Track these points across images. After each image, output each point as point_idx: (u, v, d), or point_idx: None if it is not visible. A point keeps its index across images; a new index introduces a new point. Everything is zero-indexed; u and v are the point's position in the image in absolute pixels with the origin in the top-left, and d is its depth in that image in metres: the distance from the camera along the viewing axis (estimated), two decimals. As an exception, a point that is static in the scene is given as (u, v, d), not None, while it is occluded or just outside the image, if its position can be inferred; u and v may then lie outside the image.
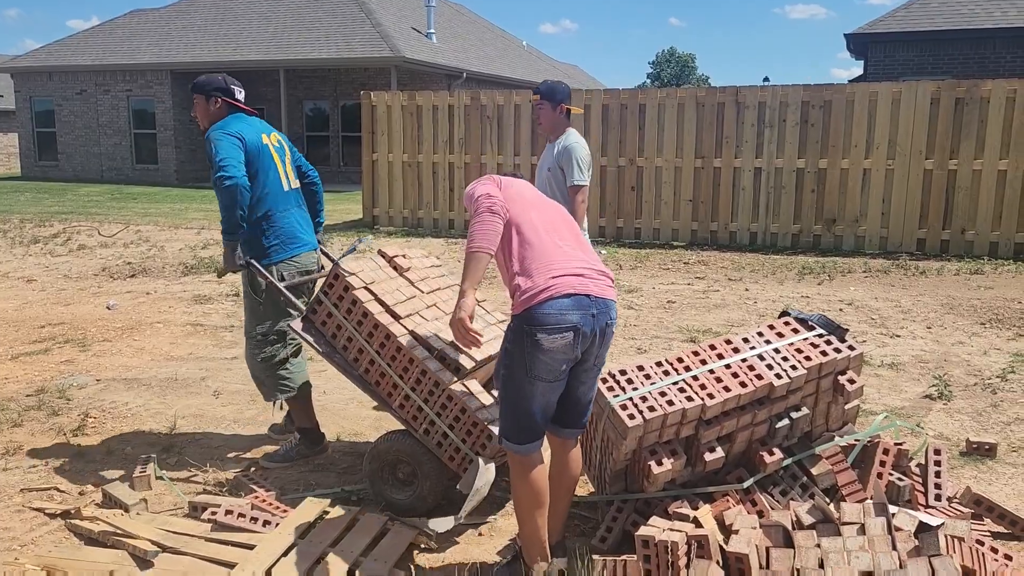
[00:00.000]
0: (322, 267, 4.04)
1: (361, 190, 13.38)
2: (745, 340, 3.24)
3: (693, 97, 11.13)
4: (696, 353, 3.18)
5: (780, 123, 10.72)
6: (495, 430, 3.01)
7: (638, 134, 11.31)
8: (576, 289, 2.59)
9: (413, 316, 3.37)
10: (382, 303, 3.33)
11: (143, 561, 2.88)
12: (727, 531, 2.80)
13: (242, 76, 21.15)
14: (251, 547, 2.97)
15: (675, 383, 3.02)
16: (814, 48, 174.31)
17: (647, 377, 3.05)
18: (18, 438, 4.26)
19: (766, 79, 49.00)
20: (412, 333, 3.29)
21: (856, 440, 3.29)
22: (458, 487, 3.11)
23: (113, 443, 4.20)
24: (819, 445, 3.23)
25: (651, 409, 2.89)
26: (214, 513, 3.22)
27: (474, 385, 3.28)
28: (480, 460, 2.93)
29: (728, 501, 2.98)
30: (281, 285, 3.69)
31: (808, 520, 2.76)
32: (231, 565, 2.86)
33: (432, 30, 24.72)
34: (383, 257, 3.62)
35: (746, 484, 3.04)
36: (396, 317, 3.31)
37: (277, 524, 3.13)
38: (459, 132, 12.19)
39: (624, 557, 2.71)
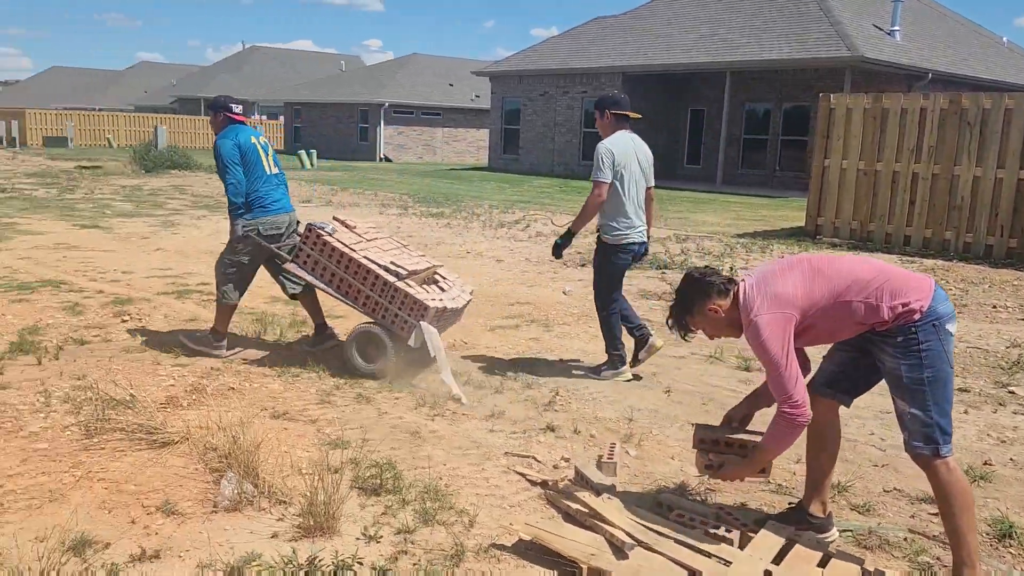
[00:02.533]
0: (295, 230, 5.67)
1: (806, 197, 12.76)
2: None
3: None
4: None
5: None
6: (431, 305, 4.93)
7: None
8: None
9: (364, 250, 5.20)
10: (342, 242, 5.16)
11: (618, 550, 2.96)
12: None
13: (687, 78, 21.57)
14: (722, 560, 2.89)
15: None
16: None
17: None
18: (500, 404, 4.75)
19: None
20: (365, 257, 5.12)
21: None
22: (409, 343, 4.94)
23: (579, 423, 4.46)
24: None
25: None
26: (681, 516, 3.22)
27: (411, 283, 5.07)
28: (421, 324, 4.90)
29: None
30: (272, 246, 5.42)
31: None
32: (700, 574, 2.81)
33: (896, 27, 22.69)
34: (338, 220, 5.52)
35: None
36: (352, 250, 5.15)
37: (735, 541, 3.02)
38: (930, 139, 10.95)
39: None
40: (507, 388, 5.05)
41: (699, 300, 3.09)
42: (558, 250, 5.33)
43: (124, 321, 6.39)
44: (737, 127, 23.98)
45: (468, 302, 5.56)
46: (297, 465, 3.74)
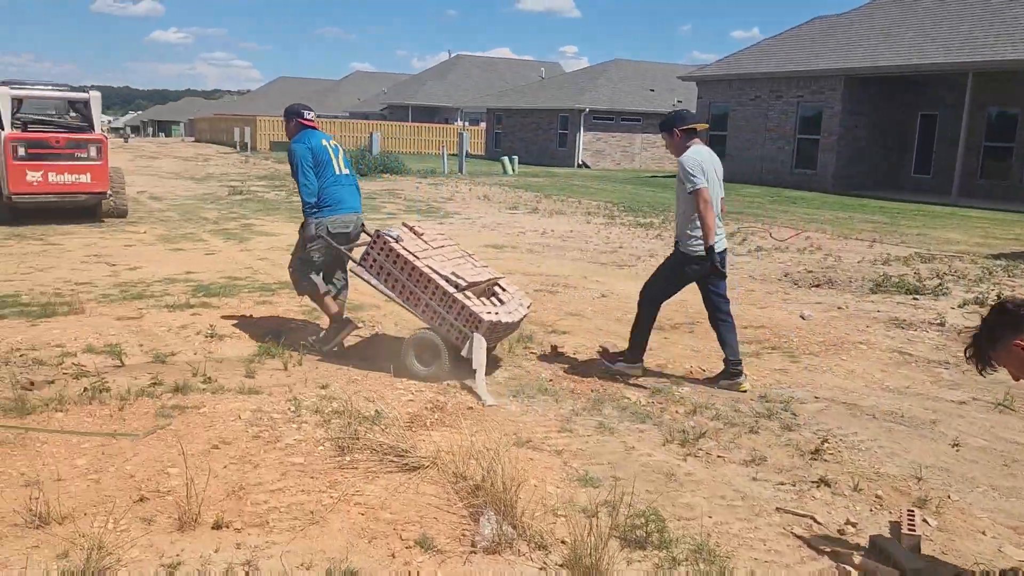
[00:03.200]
0: (361, 229, 5.92)
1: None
2: None
3: None
4: None
5: None
6: (485, 318, 4.96)
7: None
8: None
9: (427, 258, 5.27)
10: (407, 250, 5.21)
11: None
12: None
13: (919, 80, 19.59)
14: None
15: None
16: None
17: None
18: (758, 447, 4.27)
19: None
20: (427, 266, 5.17)
21: None
22: (462, 353, 4.97)
23: (859, 479, 3.90)
24: None
25: None
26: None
27: (469, 295, 5.09)
28: (474, 335, 4.94)
29: None
30: (341, 247, 5.66)
31: None
32: None
33: None
34: (407, 227, 5.59)
35: None
36: (416, 257, 5.20)
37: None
38: None
39: None
40: (763, 428, 4.56)
41: (1007, 334, 2.62)
42: (715, 268, 5.07)
43: (358, 327, 6.48)
44: (978, 134, 21.61)
45: (524, 316, 5.59)
46: (549, 503, 3.49)
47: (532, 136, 38.58)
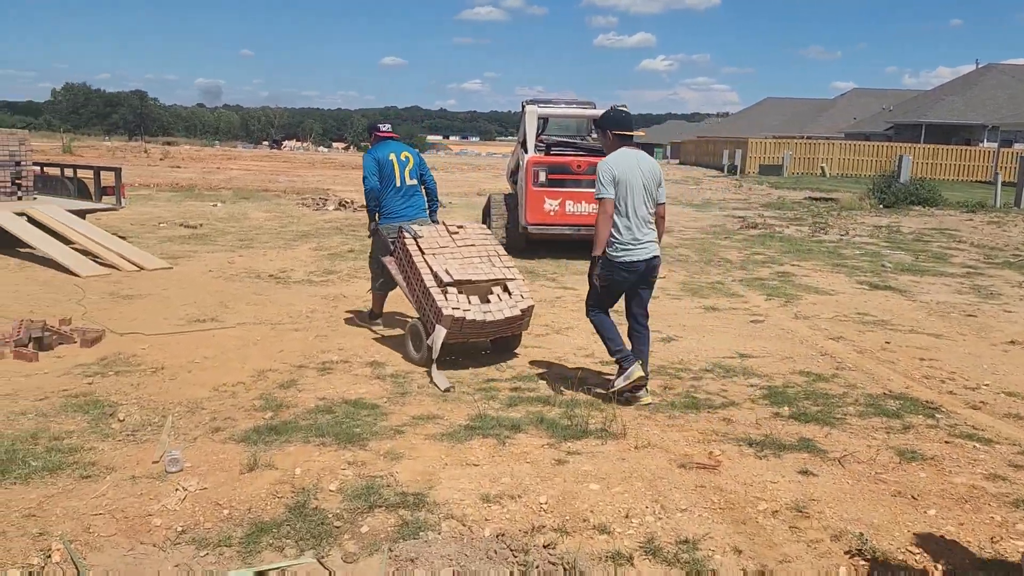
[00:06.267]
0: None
1: None
2: None
3: None
4: None
5: None
6: (445, 312, 5.24)
7: None
8: None
9: (437, 255, 5.61)
10: (418, 247, 5.63)
11: None
12: None
13: None
14: None
15: None
16: None
17: None
18: None
19: None
20: (425, 261, 5.54)
21: None
22: (427, 341, 5.37)
23: None
24: None
25: None
26: None
27: (448, 290, 5.41)
28: (439, 326, 5.28)
29: None
30: (388, 239, 6.11)
31: None
32: None
33: None
34: (443, 225, 6.01)
35: None
36: (420, 252, 5.60)
37: None
38: None
39: None
40: None
41: None
42: (592, 278, 4.93)
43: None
44: None
45: (514, 316, 5.50)
46: None
47: (1106, 161, 29.69)
